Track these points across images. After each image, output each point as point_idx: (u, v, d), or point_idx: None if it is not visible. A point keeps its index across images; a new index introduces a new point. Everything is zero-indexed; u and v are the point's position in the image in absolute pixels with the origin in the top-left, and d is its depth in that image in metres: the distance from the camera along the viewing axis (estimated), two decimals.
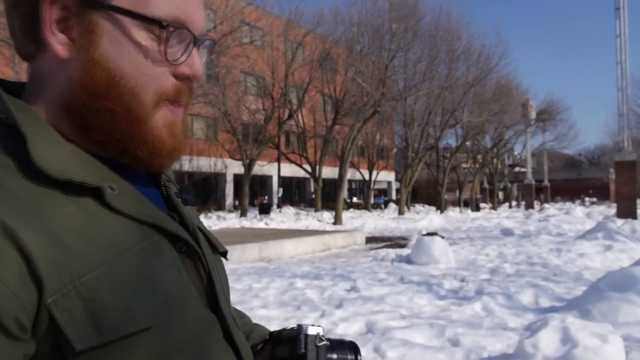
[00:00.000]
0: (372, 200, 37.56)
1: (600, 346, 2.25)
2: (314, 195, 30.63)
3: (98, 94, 0.57)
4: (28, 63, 0.61)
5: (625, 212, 20.65)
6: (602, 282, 5.71)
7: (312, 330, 0.67)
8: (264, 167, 31.15)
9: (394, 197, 47.68)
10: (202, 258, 0.64)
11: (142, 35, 0.58)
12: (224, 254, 0.74)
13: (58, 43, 0.57)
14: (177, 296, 0.57)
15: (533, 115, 38.65)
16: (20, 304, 0.46)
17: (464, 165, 43.39)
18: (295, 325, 0.70)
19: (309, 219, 22.24)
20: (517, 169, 56.69)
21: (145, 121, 0.59)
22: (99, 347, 0.50)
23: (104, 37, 0.57)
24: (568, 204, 43.49)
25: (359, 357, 0.65)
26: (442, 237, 9.93)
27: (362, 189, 47.37)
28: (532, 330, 2.48)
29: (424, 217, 23.69)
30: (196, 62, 0.62)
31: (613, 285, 5.52)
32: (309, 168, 27.22)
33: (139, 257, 0.55)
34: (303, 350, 0.65)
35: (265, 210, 26.54)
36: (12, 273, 0.46)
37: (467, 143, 37.62)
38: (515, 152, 55.32)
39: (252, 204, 32.19)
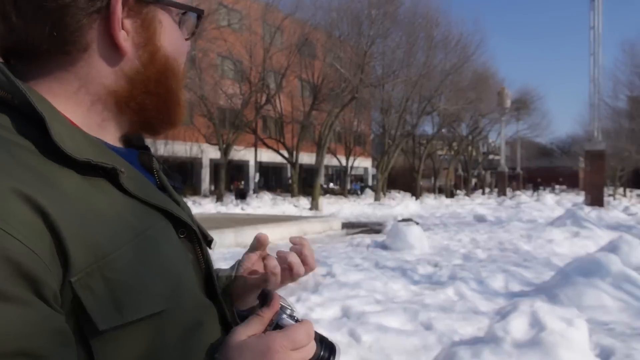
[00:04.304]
0: (349, 187, 37.74)
1: (566, 329, 2.33)
2: (291, 181, 30.62)
3: (159, 78, 0.63)
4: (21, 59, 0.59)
5: (593, 200, 21.27)
6: (570, 268, 5.90)
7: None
8: (241, 152, 30.90)
9: (370, 183, 48.01)
10: (201, 244, 0.65)
11: (171, 21, 0.64)
12: (210, 242, 0.74)
13: (123, 39, 0.59)
14: (184, 281, 0.59)
15: (508, 104, 39.24)
16: (54, 278, 0.47)
17: (439, 153, 43.90)
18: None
19: (286, 205, 22.24)
20: (491, 156, 57.63)
21: (181, 92, 0.67)
22: (119, 328, 0.50)
23: (160, 27, 0.62)
24: (539, 192, 44.49)
25: (332, 358, 0.64)
26: (417, 224, 10.08)
27: (339, 175, 47.55)
28: (502, 314, 2.56)
29: (399, 203, 23.94)
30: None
31: (579, 270, 5.71)
32: (286, 154, 27.15)
33: (152, 241, 0.56)
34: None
35: (241, 195, 26.44)
36: (45, 248, 0.46)
37: (443, 130, 38.03)
38: (490, 140, 56.20)
39: (228, 189, 31.98)
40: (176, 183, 0.73)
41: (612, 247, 7.81)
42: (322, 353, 0.63)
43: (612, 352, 3.59)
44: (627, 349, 3.67)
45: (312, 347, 0.60)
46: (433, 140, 37.84)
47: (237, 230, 10.18)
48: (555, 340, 2.28)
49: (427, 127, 41.07)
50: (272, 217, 14.23)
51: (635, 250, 7.69)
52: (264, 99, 25.85)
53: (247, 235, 10.35)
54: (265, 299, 0.62)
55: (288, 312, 0.61)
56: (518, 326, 2.43)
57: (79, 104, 0.59)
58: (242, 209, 19.92)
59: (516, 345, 2.34)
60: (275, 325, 0.60)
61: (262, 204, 22.01)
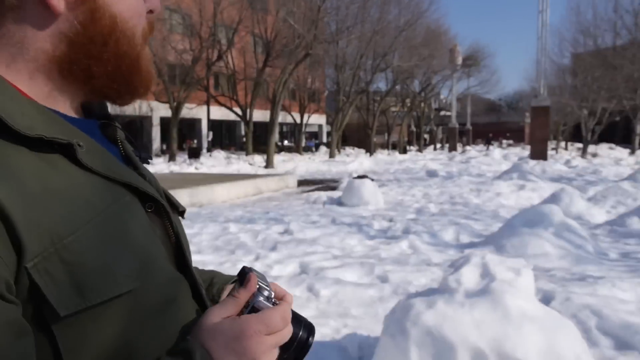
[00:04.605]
0: (303, 144, 37.69)
1: (514, 278, 2.48)
2: (244, 139, 30.22)
3: (105, 41, 0.57)
4: None
5: (538, 154, 22.25)
6: (515, 219, 6.22)
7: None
8: (193, 110, 30.05)
9: (325, 140, 48.10)
10: (170, 217, 0.63)
11: None
12: (182, 213, 0.72)
13: None
14: (153, 257, 0.56)
15: (460, 60, 39.77)
16: (5, 266, 0.44)
17: (393, 109, 44.25)
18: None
19: (240, 163, 22.04)
20: (442, 112, 58.72)
21: (139, 58, 0.61)
22: (82, 312, 0.48)
23: None
24: (490, 146, 46.01)
25: (310, 339, 0.63)
26: (372, 180, 10.25)
27: (293, 132, 47.30)
28: (455, 267, 2.69)
29: (354, 160, 24.21)
30: None
31: (524, 221, 6.03)
32: (239, 111, 26.63)
33: (115, 218, 0.53)
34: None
35: (194, 154, 25.92)
36: None
37: (397, 87, 38.23)
38: (442, 97, 57.14)
39: (180, 148, 31.25)
40: (142, 153, 0.69)
41: (554, 199, 8.26)
42: (300, 333, 0.62)
43: (553, 296, 3.86)
44: (566, 292, 3.96)
45: (288, 331, 0.59)
46: (386, 97, 38.04)
47: (192, 190, 10.03)
48: (504, 289, 2.43)
49: (381, 84, 41.24)
50: (228, 176, 14.08)
51: (575, 201, 8.17)
52: (215, 55, 25.02)
53: (203, 196, 10.24)
54: (243, 278, 0.60)
55: (265, 293, 0.59)
56: (470, 277, 2.57)
57: (19, 73, 0.55)
58: (196, 168, 19.58)
59: (468, 295, 2.47)
60: (251, 307, 0.57)
61: (216, 162, 21.71)
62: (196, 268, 0.72)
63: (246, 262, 5.17)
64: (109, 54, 0.58)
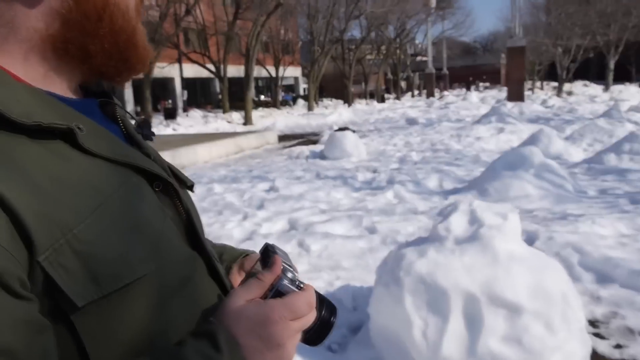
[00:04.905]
0: (280, 98, 37.19)
1: (501, 223, 2.55)
2: (220, 96, 29.67)
3: (99, 16, 0.55)
4: None
5: (515, 96, 22.38)
6: (497, 163, 6.33)
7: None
8: (165, 69, 29.15)
9: (301, 93, 47.51)
10: (180, 195, 0.62)
11: None
12: (191, 187, 0.71)
13: None
14: (166, 238, 0.56)
15: (433, 3, 39.06)
16: (18, 262, 0.43)
17: (368, 57, 43.64)
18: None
19: (218, 121, 21.75)
20: (418, 58, 58.20)
21: (135, 32, 0.59)
22: (99, 300, 0.47)
23: None
24: (465, 90, 46.06)
25: (333, 319, 0.64)
26: (353, 131, 10.24)
27: (269, 86, 46.51)
28: (444, 215, 2.74)
29: (332, 112, 24.07)
30: None
31: (506, 165, 6.14)
32: (212, 67, 26.00)
33: (124, 201, 0.52)
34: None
35: (170, 115, 25.42)
36: (1, 232, 0.42)
37: (372, 34, 37.58)
38: (417, 42, 56.43)
39: (155, 110, 30.57)
40: (145, 130, 0.67)
41: (533, 140, 8.40)
42: (323, 313, 0.62)
43: (537, 236, 4.01)
44: (548, 232, 4.10)
45: (312, 316, 0.59)
46: (362, 45, 37.42)
47: (173, 152, 9.91)
48: (492, 234, 2.50)
49: (355, 32, 40.48)
50: (207, 136, 13.91)
51: (553, 141, 8.33)
52: (183, 9, 24.10)
53: (184, 157, 10.14)
54: (267, 259, 0.59)
55: (290, 275, 0.58)
56: (459, 224, 2.63)
57: (11, 55, 0.52)
58: (174, 129, 19.28)
59: (458, 242, 2.54)
60: (275, 291, 0.57)
61: (193, 122, 21.38)
62: (209, 241, 0.71)
63: (234, 222, 5.19)
64: (104, 29, 0.56)
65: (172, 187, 0.61)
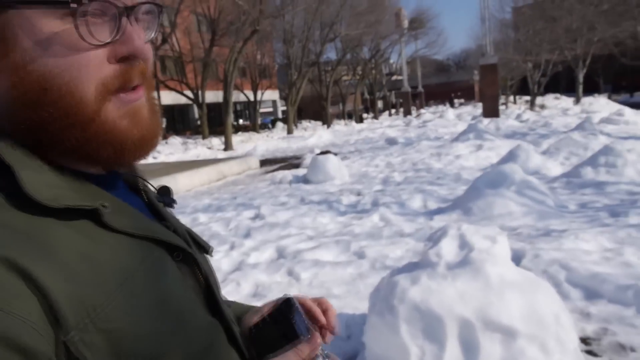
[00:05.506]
0: (259, 121, 37.27)
1: (491, 246, 2.59)
2: (199, 122, 29.60)
3: (36, 103, 0.50)
4: None
5: (490, 112, 22.86)
6: (479, 181, 6.42)
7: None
8: None
9: (280, 115, 47.71)
10: (199, 263, 0.63)
11: (57, 24, 0.49)
12: (209, 251, 0.72)
13: None
14: (188, 309, 0.57)
15: (406, 24, 39.97)
16: (46, 342, 0.44)
17: (345, 78, 44.19)
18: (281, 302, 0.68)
19: (199, 148, 21.64)
20: (394, 77, 59.09)
21: (93, 119, 0.52)
22: None
23: (18, 38, 0.49)
24: (441, 107, 46.86)
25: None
26: (335, 154, 10.30)
27: (247, 110, 46.65)
28: (433, 240, 2.77)
29: (312, 134, 24.16)
30: (132, 36, 0.53)
31: (487, 183, 6.24)
32: (190, 94, 26.00)
33: (148, 277, 0.54)
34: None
35: None
36: (33, 312, 0.43)
37: (347, 56, 38.11)
38: (392, 61, 57.34)
39: None
40: (165, 198, 0.69)
41: (511, 156, 8.57)
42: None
43: (523, 254, 4.06)
44: (534, 250, 4.16)
45: None
46: (338, 67, 37.91)
47: (154, 182, 9.76)
48: (483, 257, 2.53)
49: (331, 54, 41.01)
50: (189, 163, 13.82)
51: (531, 156, 8.51)
52: (159, 38, 24.15)
53: None
54: (289, 308, 0.60)
55: (325, 352, 0.59)
56: (449, 249, 2.66)
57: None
58: (154, 157, 19.08)
59: (449, 267, 2.57)
60: None
61: (173, 149, 21.22)
62: (225, 303, 0.70)
63: (222, 252, 5.15)
64: (44, 117, 0.51)
65: (192, 257, 0.62)
